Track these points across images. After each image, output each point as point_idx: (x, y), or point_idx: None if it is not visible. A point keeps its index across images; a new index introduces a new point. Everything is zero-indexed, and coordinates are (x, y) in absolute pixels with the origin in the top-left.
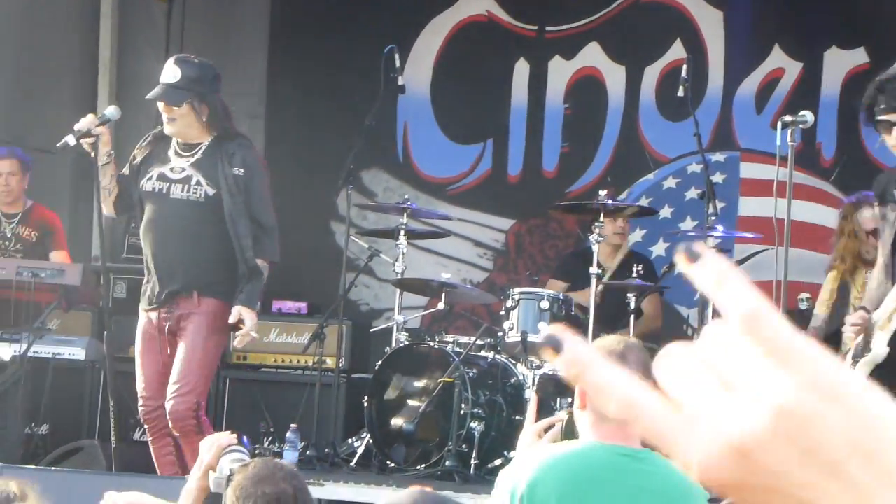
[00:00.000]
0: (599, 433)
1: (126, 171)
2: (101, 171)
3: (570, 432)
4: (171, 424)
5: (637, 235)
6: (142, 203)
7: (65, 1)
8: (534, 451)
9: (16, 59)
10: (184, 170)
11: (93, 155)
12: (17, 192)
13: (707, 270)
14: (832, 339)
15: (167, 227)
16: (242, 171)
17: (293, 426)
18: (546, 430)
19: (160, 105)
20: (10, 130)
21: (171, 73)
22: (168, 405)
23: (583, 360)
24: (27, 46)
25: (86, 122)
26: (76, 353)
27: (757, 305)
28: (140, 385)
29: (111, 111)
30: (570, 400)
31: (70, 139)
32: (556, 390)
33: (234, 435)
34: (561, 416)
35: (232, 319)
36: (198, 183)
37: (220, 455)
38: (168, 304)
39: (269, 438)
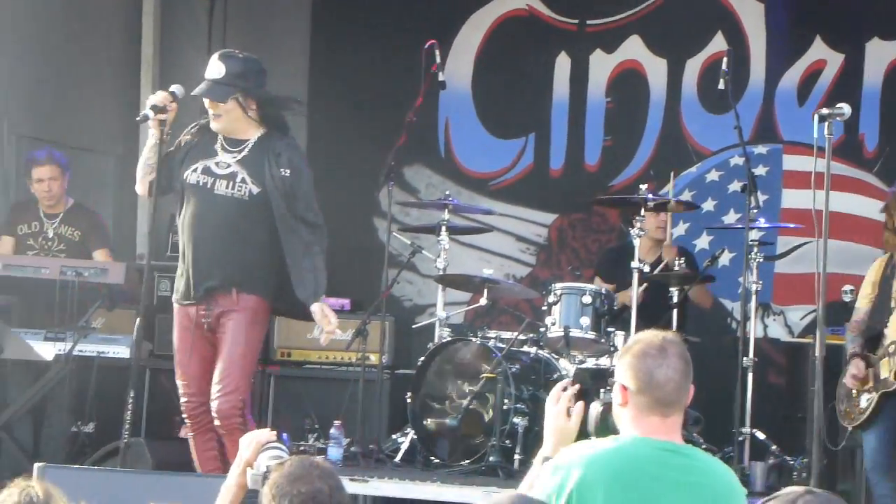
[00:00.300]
0: (641, 428)
1: (171, 154)
2: (152, 149)
3: (605, 426)
4: (217, 423)
5: (680, 229)
6: (183, 193)
7: (108, 3)
8: (578, 445)
9: (58, 59)
10: (229, 165)
11: (156, 128)
12: (58, 195)
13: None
14: (872, 334)
15: (209, 222)
16: (288, 171)
17: (337, 422)
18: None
19: (205, 101)
20: (53, 130)
21: (215, 68)
22: (213, 405)
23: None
24: (69, 45)
25: (160, 97)
26: (121, 351)
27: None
28: (180, 381)
29: (178, 89)
30: (606, 391)
31: (149, 112)
32: (593, 382)
33: (274, 432)
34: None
35: (318, 318)
36: (243, 181)
37: (258, 451)
38: (206, 300)
39: (314, 435)
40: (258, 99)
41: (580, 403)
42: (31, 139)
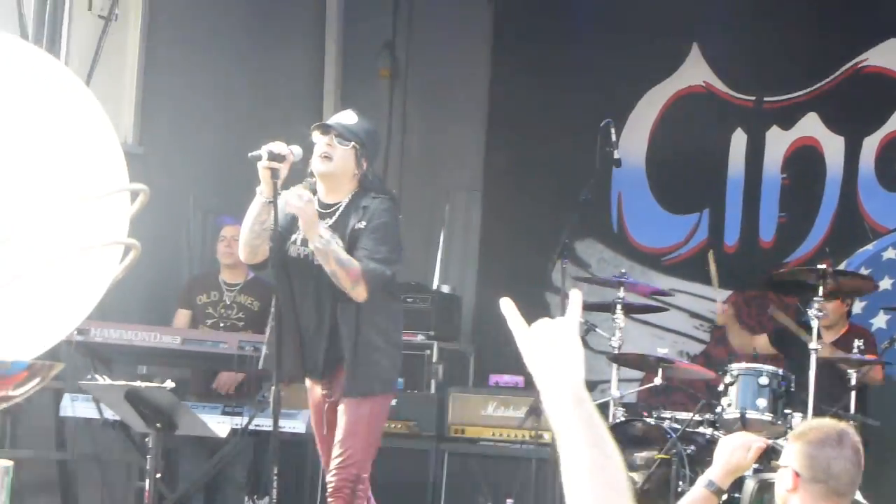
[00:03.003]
0: None
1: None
2: (262, 208)
3: (758, 502)
4: (328, 494)
5: (857, 307)
6: (285, 267)
7: (290, 77)
8: None
9: (242, 136)
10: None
11: (266, 181)
12: (237, 258)
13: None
14: None
15: (313, 294)
16: (364, 222)
17: (510, 500)
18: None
19: (297, 149)
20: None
21: (347, 115)
22: (328, 476)
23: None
24: (252, 123)
25: (280, 146)
26: (297, 426)
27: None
28: (323, 459)
29: (298, 151)
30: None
31: (263, 153)
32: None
33: None
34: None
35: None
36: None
37: None
38: (328, 375)
39: None
40: (368, 165)
41: (761, 444)
42: (215, 214)
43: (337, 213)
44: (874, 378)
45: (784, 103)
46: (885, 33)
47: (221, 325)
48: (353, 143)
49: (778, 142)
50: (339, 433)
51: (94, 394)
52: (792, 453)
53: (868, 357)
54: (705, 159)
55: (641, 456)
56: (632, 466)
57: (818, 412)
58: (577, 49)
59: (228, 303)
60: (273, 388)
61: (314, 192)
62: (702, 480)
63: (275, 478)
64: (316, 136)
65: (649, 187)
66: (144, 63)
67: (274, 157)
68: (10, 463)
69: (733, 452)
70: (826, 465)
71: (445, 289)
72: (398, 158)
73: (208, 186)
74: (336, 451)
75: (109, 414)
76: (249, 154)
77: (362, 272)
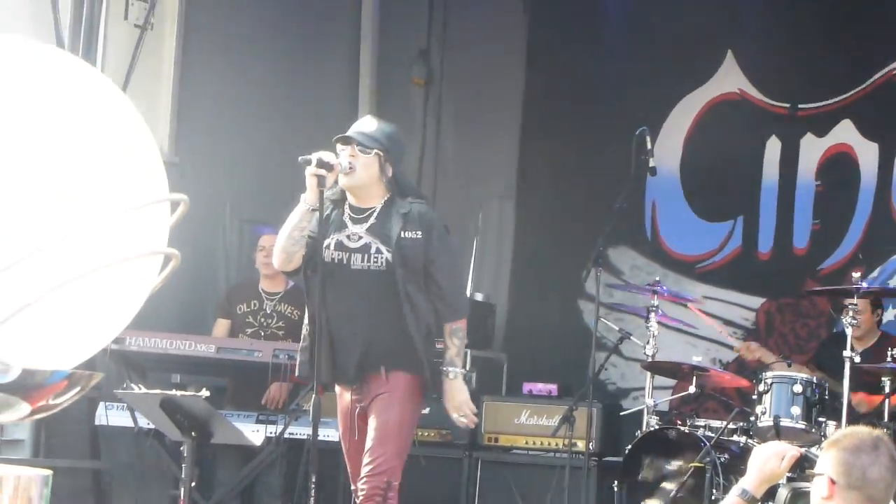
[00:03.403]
0: None
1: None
2: (303, 216)
3: None
4: (359, 502)
5: (890, 314)
6: (321, 273)
7: (325, 86)
8: None
9: (279, 147)
10: (360, 237)
11: (312, 188)
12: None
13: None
14: None
15: (348, 299)
16: (420, 233)
17: None
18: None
19: (345, 158)
20: (274, 214)
21: (366, 122)
22: (360, 483)
23: None
24: (289, 135)
25: (329, 156)
26: (331, 434)
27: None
28: (350, 467)
29: (345, 161)
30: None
31: (314, 158)
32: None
33: None
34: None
35: (461, 420)
36: (378, 251)
37: None
38: (358, 381)
39: None
40: (396, 168)
41: (795, 452)
42: (252, 223)
43: (372, 218)
44: None
45: (818, 110)
46: None
47: (262, 334)
48: (374, 150)
49: (812, 149)
50: (369, 440)
51: (130, 402)
52: (827, 461)
53: None
54: (739, 166)
55: (675, 464)
56: (665, 475)
57: (852, 420)
58: (611, 57)
59: (269, 312)
60: (312, 395)
61: (344, 198)
62: (736, 489)
63: (312, 486)
64: (339, 148)
65: (683, 195)
66: (180, 72)
67: (323, 164)
68: (49, 472)
69: (767, 461)
70: (862, 472)
71: (479, 297)
72: (432, 166)
73: (244, 195)
74: (367, 458)
75: (144, 422)
76: (300, 158)
77: (462, 321)
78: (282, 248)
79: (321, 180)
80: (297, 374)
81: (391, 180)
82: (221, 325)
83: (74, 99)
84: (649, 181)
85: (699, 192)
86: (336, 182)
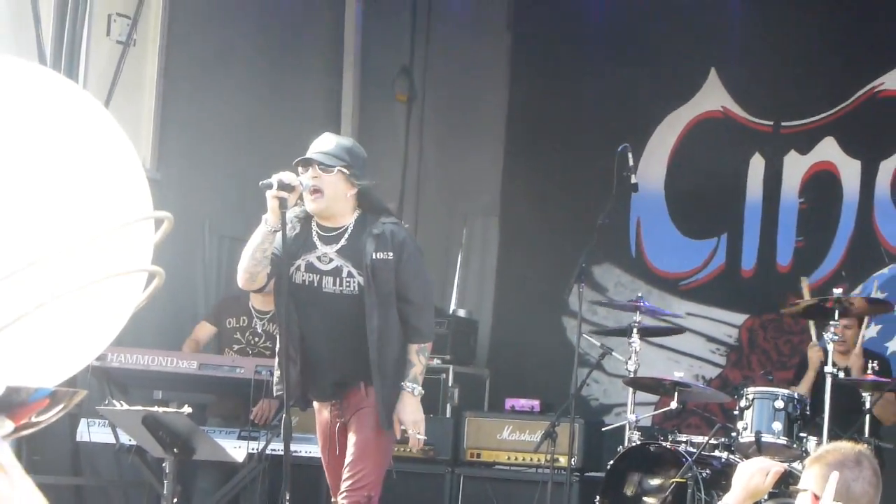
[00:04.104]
0: None
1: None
2: (265, 237)
3: None
4: None
5: (872, 331)
6: (291, 294)
7: (307, 102)
8: None
9: (258, 162)
10: (331, 259)
11: (273, 210)
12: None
13: None
14: None
15: (322, 321)
16: (391, 254)
17: None
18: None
19: (307, 179)
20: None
21: (324, 141)
22: (340, 499)
23: None
24: (268, 149)
25: (290, 176)
26: (313, 450)
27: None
28: (330, 482)
29: (307, 181)
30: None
31: (274, 181)
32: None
33: None
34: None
35: (396, 431)
36: (349, 275)
37: None
38: (338, 397)
39: None
40: (360, 182)
41: (780, 468)
42: (231, 239)
43: (343, 239)
44: (884, 415)
45: (802, 128)
46: None
47: (249, 351)
48: (336, 167)
49: (796, 166)
50: (349, 455)
51: (112, 419)
52: (811, 476)
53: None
54: (723, 184)
55: (657, 479)
56: (647, 490)
57: (833, 436)
58: (595, 75)
59: (259, 331)
60: (283, 414)
61: (310, 216)
62: None
63: (287, 503)
64: (300, 172)
65: (668, 212)
66: (162, 89)
67: (283, 186)
68: None
69: (752, 476)
70: (846, 488)
71: (462, 313)
72: (415, 182)
73: (224, 211)
74: (346, 472)
75: (126, 439)
76: (260, 182)
77: (429, 343)
78: (244, 268)
79: (283, 202)
80: (274, 392)
81: (358, 196)
82: (205, 328)
83: (57, 116)
84: (634, 198)
85: (683, 210)
86: (300, 201)
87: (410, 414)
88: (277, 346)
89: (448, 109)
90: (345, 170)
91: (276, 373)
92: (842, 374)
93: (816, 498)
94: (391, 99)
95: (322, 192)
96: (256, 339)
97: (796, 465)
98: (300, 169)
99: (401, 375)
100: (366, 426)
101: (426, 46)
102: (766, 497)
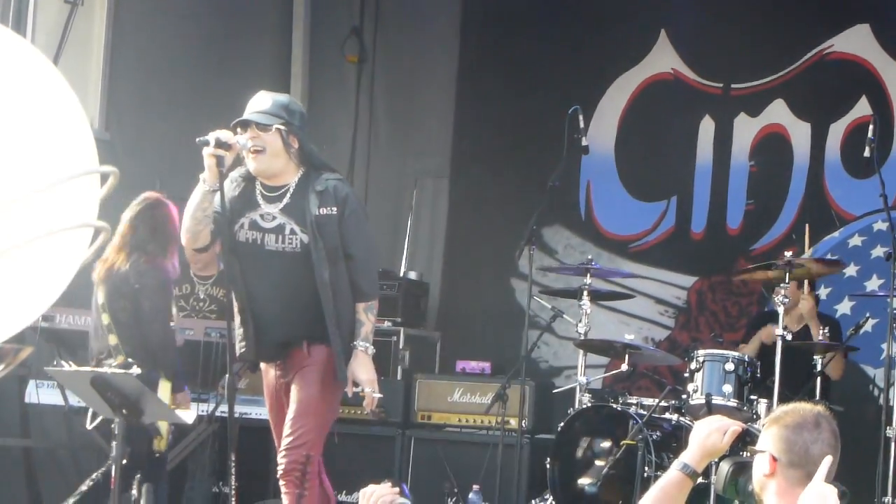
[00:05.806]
0: (788, 501)
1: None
2: (204, 196)
3: (732, 486)
4: (279, 476)
5: (822, 293)
6: (235, 252)
7: (257, 62)
8: None
9: (208, 121)
10: (274, 217)
11: (210, 169)
12: (209, 260)
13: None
14: None
15: (266, 278)
16: (334, 209)
17: (476, 486)
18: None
19: (244, 138)
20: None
21: (260, 99)
22: (278, 457)
23: None
24: (219, 108)
25: (227, 134)
26: (263, 412)
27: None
28: (277, 442)
29: (244, 140)
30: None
31: (211, 139)
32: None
33: (396, 488)
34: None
35: (349, 390)
36: (292, 232)
37: None
38: (280, 356)
39: (453, 498)
40: (300, 138)
41: (737, 427)
42: (182, 199)
43: (287, 197)
44: (834, 372)
45: (751, 90)
46: (851, 20)
47: (195, 317)
48: (274, 125)
49: (746, 129)
50: (290, 412)
51: (60, 380)
52: (769, 438)
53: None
54: (673, 147)
55: (607, 441)
56: (598, 452)
57: (783, 399)
58: (546, 36)
59: (202, 296)
60: (227, 375)
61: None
62: (676, 464)
63: (232, 465)
64: (240, 133)
65: (618, 174)
66: (111, 49)
67: (220, 144)
68: None
69: (709, 435)
70: (804, 450)
71: (413, 275)
72: (366, 144)
73: (175, 172)
74: (287, 429)
75: (75, 400)
76: (197, 139)
77: (374, 301)
78: (186, 228)
79: (220, 160)
80: (238, 351)
81: (299, 152)
82: None
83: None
84: (584, 161)
85: (633, 172)
86: (241, 160)
87: (365, 373)
88: (235, 305)
89: (398, 71)
90: (282, 127)
91: (240, 331)
92: (789, 337)
93: (774, 459)
94: (341, 60)
95: (262, 151)
96: (201, 305)
97: (757, 425)
98: (239, 130)
99: (353, 332)
100: (308, 384)
101: (376, 7)
102: (722, 456)
